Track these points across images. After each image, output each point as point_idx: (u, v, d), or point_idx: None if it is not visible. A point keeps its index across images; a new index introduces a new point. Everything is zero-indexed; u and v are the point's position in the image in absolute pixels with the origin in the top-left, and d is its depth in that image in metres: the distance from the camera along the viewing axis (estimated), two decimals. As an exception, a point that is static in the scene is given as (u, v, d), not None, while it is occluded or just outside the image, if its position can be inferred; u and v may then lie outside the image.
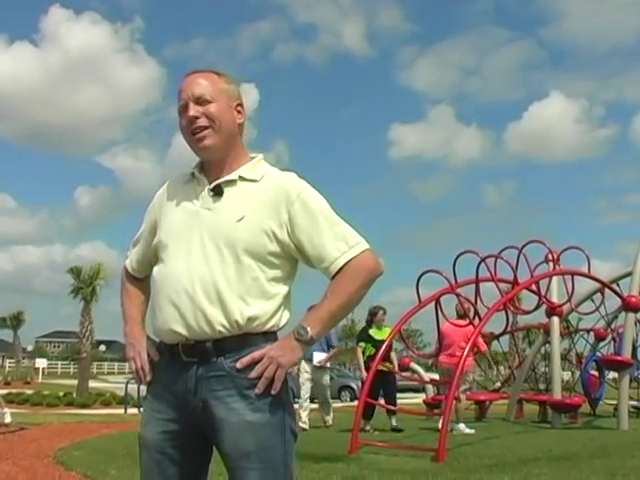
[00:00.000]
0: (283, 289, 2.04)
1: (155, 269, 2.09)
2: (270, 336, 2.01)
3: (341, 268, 1.99)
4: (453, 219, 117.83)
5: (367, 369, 9.67)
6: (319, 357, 10.73)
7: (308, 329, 1.95)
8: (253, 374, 1.93)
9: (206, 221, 2.01)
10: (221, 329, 1.95)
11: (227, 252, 1.97)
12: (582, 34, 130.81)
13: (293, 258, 2.07)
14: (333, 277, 2.00)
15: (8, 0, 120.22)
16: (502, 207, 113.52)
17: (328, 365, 11.36)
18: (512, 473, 6.34)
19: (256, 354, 1.95)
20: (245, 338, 1.97)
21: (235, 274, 1.96)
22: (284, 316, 2.05)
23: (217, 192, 2.04)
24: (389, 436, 9.19)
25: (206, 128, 2.03)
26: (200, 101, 2.04)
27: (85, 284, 28.93)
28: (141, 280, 2.26)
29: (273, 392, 1.94)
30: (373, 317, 10.58)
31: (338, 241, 2.01)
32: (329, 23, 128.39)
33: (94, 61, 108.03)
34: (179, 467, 2.02)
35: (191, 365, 1.98)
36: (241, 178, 2.07)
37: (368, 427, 9.99)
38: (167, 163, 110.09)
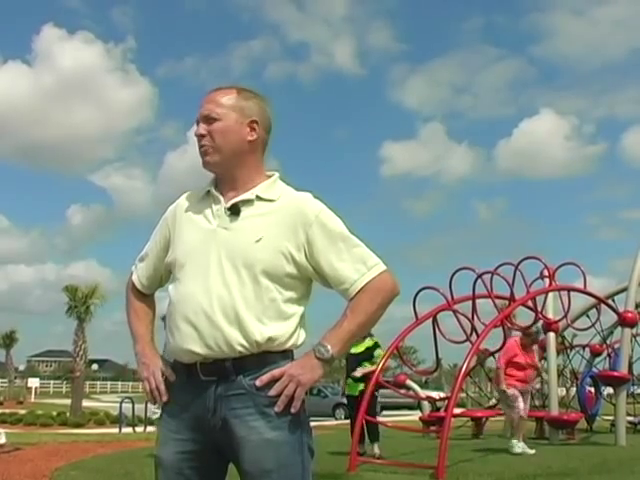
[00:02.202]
0: (299, 310, 2.04)
1: (171, 288, 2.08)
2: (288, 354, 2.01)
3: (360, 289, 1.99)
4: (445, 236, 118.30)
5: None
6: None
7: (329, 347, 1.95)
8: (272, 392, 1.93)
9: (223, 241, 2.01)
10: (241, 349, 1.95)
11: (245, 273, 1.97)
12: (572, 52, 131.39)
13: (308, 279, 2.06)
14: (352, 298, 2.01)
15: (1, 20, 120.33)
16: (494, 224, 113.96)
17: None
18: (512, 490, 6.34)
19: (276, 372, 1.94)
20: (264, 357, 1.97)
21: (253, 295, 1.96)
22: (301, 336, 2.05)
23: (234, 211, 2.04)
24: (388, 453, 9.14)
25: (208, 146, 2.07)
26: (207, 119, 2.07)
27: (79, 303, 28.80)
28: (148, 296, 2.25)
29: (293, 410, 1.94)
30: None
31: (357, 263, 2.01)
32: (321, 42, 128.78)
33: (87, 80, 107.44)
34: None
35: (209, 384, 1.97)
36: (258, 198, 2.06)
37: (377, 450, 9.19)
38: (159, 182, 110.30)
